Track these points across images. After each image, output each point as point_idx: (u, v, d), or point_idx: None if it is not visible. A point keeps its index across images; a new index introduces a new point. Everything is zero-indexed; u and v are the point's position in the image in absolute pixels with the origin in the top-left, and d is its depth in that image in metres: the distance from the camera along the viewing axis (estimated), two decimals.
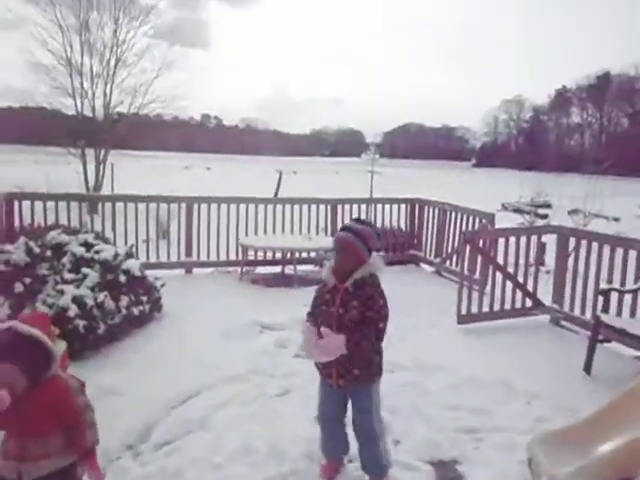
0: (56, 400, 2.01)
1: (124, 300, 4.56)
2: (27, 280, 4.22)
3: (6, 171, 20.13)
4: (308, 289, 6.45)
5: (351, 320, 2.46)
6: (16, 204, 6.53)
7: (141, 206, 6.99)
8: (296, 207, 7.56)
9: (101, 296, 4.33)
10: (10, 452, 2.00)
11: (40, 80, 17.38)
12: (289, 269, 6.99)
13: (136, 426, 3.16)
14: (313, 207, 7.69)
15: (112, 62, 18.09)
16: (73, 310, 4.05)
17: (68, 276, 4.41)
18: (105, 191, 17.03)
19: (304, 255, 7.12)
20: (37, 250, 4.44)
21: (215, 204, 7.22)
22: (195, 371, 3.97)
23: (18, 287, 4.18)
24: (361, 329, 2.45)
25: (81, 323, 4.05)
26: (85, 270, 4.50)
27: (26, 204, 6.59)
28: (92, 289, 4.35)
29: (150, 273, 5.18)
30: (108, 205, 7.02)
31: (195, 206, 7.10)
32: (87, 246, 4.85)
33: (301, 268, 6.82)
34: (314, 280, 6.49)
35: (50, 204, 6.72)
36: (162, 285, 5.19)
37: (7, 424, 2.00)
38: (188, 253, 7.07)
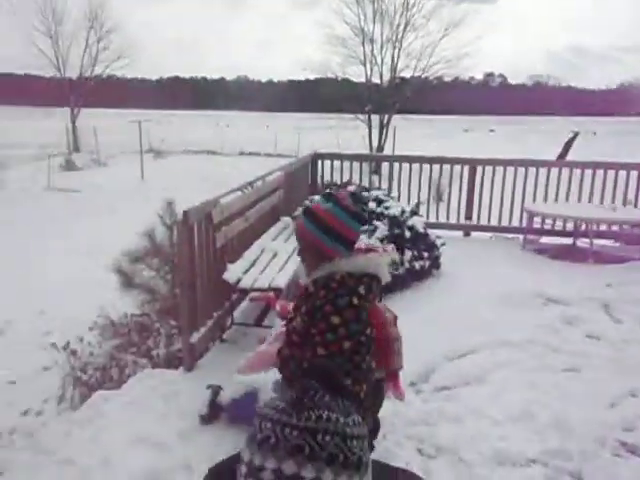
0: (375, 327, 2.44)
1: (408, 254, 4.98)
2: None
3: (308, 136, 23.47)
4: (606, 267, 5.91)
5: (294, 331, 1.84)
6: (319, 163, 7.68)
7: (416, 167, 7.33)
8: (598, 172, 6.81)
9: (389, 247, 4.82)
10: None
11: (335, 52, 19.55)
12: (582, 242, 6.43)
13: (418, 368, 3.51)
14: (610, 173, 6.78)
15: (401, 26, 19.02)
16: None
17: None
18: (387, 153, 18.32)
19: (603, 228, 6.44)
20: None
21: (500, 166, 7.08)
22: (471, 329, 4.12)
23: None
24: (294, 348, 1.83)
25: None
26: (376, 223, 5.06)
27: (325, 164, 7.69)
28: (381, 240, 4.88)
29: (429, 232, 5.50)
30: (387, 166, 7.67)
31: (479, 168, 7.10)
32: (378, 202, 5.43)
33: (598, 242, 6.20)
34: (615, 257, 5.86)
35: (345, 164, 7.73)
36: (442, 244, 5.45)
37: None
38: (468, 215, 7.17)
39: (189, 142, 24.57)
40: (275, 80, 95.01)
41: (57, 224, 10.09)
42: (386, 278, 1.91)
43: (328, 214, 1.83)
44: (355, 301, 1.74)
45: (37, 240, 8.98)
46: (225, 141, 24.04)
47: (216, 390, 2.99)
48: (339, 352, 1.70)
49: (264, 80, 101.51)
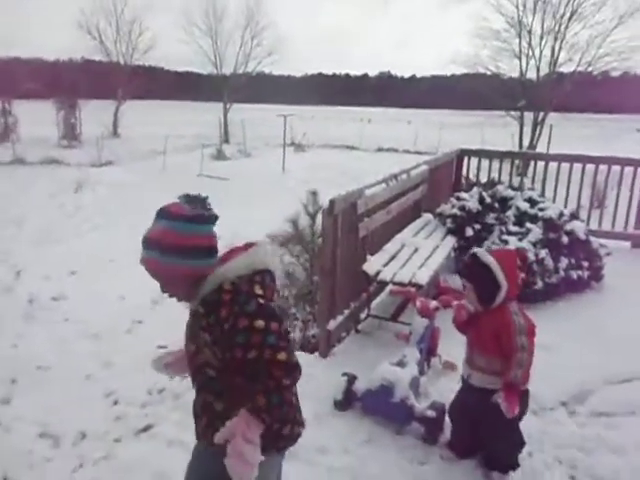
0: (498, 327, 2.35)
1: (564, 262, 4.60)
2: (477, 226, 4.81)
3: (451, 134, 22.85)
4: None
5: (207, 365, 1.53)
6: (465, 160, 7.41)
7: (577, 168, 6.71)
8: None
9: (542, 253, 4.50)
10: (467, 357, 2.55)
11: (485, 45, 18.69)
12: None
13: (570, 388, 3.24)
14: None
15: (566, 16, 17.61)
16: None
17: (512, 228, 4.76)
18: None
19: None
20: (488, 200, 4.96)
21: None
22: (636, 353, 3.69)
23: (468, 231, 4.81)
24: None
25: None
26: (529, 225, 4.75)
27: (472, 161, 7.39)
28: (534, 245, 4.57)
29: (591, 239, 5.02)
30: (540, 168, 7.10)
31: None
32: (531, 202, 5.09)
33: None
34: None
35: (494, 165, 7.34)
36: (607, 254, 4.95)
37: (467, 332, 2.52)
38: (638, 225, 6.43)
39: (329, 137, 25.25)
40: (418, 76, 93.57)
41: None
42: (276, 267, 1.65)
43: (168, 234, 1.48)
44: (261, 301, 1.47)
45: None
46: (364, 137, 24.30)
47: (352, 379, 3.03)
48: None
49: (407, 76, 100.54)
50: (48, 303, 6.66)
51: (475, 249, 2.54)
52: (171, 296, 1.59)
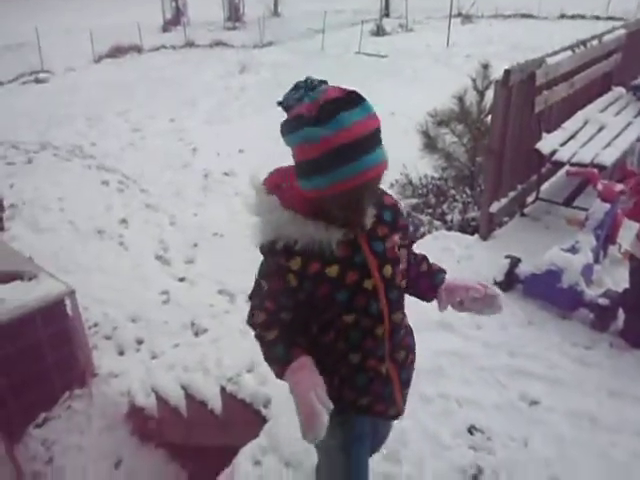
0: None
1: None
2: None
3: None
4: None
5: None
6: None
7: None
8: None
9: None
10: None
11: None
12: None
13: None
14: None
15: None
16: None
17: None
18: None
19: None
20: None
21: None
22: None
23: None
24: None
25: None
26: None
27: None
28: None
29: None
30: None
31: None
32: None
33: None
34: None
35: None
36: None
37: None
38: None
39: (502, 5, 22.51)
40: None
41: (363, 87, 10.80)
42: None
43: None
44: None
45: None
46: (543, 1, 21.21)
47: (515, 261, 2.93)
48: None
49: None
50: (220, 177, 7.35)
51: None
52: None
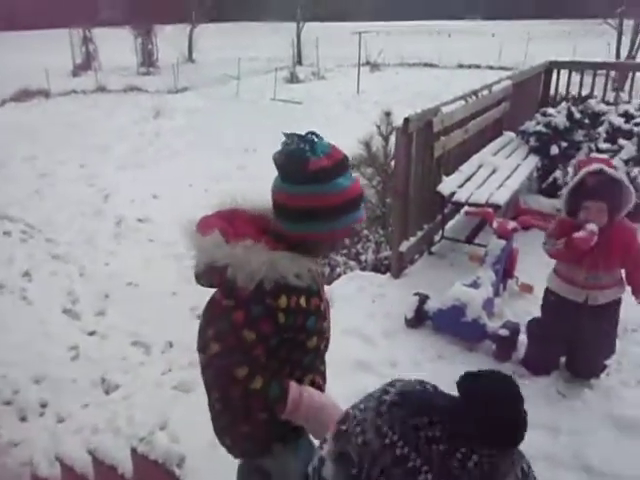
0: (624, 238, 2.30)
1: None
2: (563, 144, 4.49)
3: (539, 46, 20.99)
4: None
5: None
6: (554, 74, 6.80)
7: None
8: None
9: (635, 171, 4.16)
10: (579, 280, 2.36)
11: None
12: None
13: None
14: None
15: None
16: None
17: (603, 146, 4.41)
18: None
19: None
20: (577, 116, 4.59)
21: None
22: None
23: (553, 149, 4.52)
24: None
25: None
26: (622, 142, 4.38)
27: (562, 75, 6.76)
28: (626, 162, 4.23)
29: None
30: (637, 81, 6.38)
31: None
32: (627, 117, 4.65)
33: None
34: None
35: (586, 79, 6.67)
36: None
37: (582, 256, 2.32)
38: None
39: (407, 54, 24.02)
40: None
41: (280, 132, 10.99)
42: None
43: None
44: None
45: (262, 145, 9.96)
46: (444, 52, 22.88)
47: (423, 298, 3.04)
48: None
49: None
50: (134, 224, 7.11)
51: (594, 166, 2.31)
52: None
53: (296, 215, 1.22)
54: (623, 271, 2.37)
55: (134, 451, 2.36)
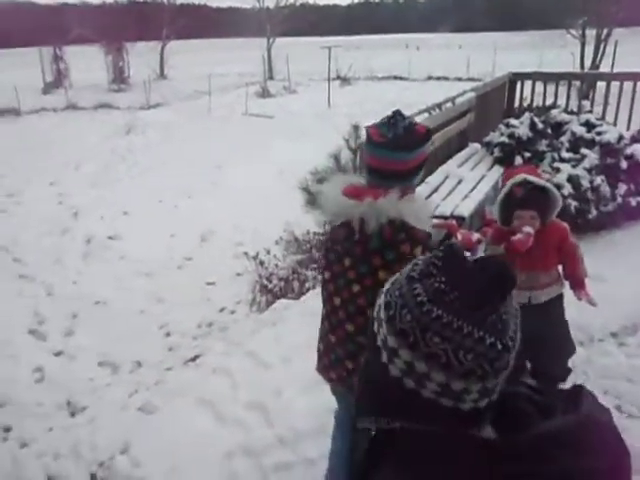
0: (558, 237, 2.39)
1: (622, 188, 4.31)
2: (526, 154, 4.54)
3: (505, 57, 21.43)
4: None
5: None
6: (517, 85, 6.93)
7: None
8: None
9: (598, 180, 4.22)
10: (520, 282, 2.35)
11: None
12: None
13: (621, 319, 3.10)
14: None
15: None
16: (567, 189, 4.13)
17: (566, 155, 4.47)
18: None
19: None
20: (540, 126, 4.65)
21: None
22: None
23: (517, 160, 4.56)
24: None
25: (573, 203, 4.11)
26: (584, 151, 4.44)
27: (525, 86, 6.89)
28: (589, 171, 4.28)
29: None
30: (601, 90, 6.54)
31: None
32: (588, 126, 4.73)
33: None
34: None
35: (550, 89, 6.80)
36: None
37: (519, 260, 2.34)
38: None
39: (376, 68, 24.31)
40: None
41: (251, 147, 10.96)
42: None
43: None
44: None
45: (234, 160, 9.90)
46: (413, 65, 23.22)
47: None
48: None
49: None
50: (104, 241, 6.96)
51: (518, 177, 2.36)
52: None
53: (416, 172, 1.56)
54: (560, 268, 2.45)
55: (93, 477, 2.26)
